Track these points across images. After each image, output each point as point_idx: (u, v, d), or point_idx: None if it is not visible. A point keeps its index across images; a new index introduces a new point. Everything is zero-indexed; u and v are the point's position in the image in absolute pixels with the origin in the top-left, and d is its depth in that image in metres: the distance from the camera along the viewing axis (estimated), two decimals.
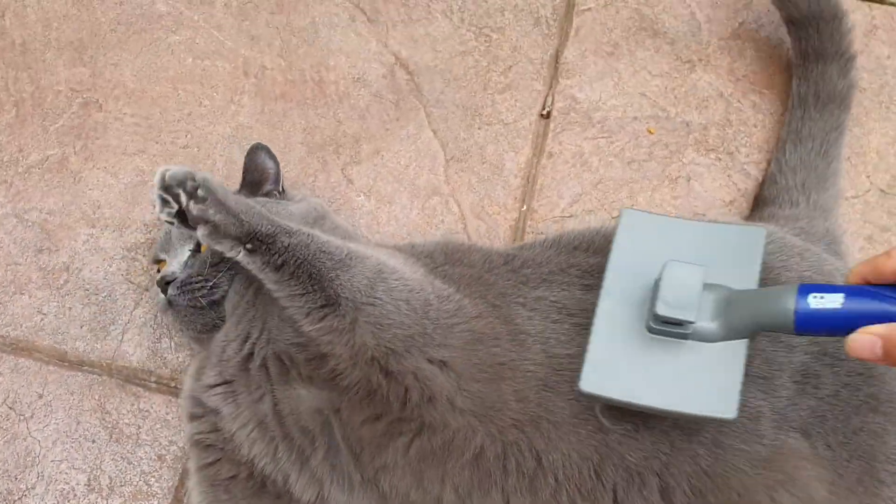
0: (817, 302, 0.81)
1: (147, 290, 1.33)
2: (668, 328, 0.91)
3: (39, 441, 1.26)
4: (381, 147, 1.42)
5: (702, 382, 0.89)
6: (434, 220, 1.36)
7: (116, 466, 1.24)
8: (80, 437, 1.26)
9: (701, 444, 0.92)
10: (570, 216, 1.35)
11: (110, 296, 1.34)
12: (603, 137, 1.40)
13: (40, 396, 1.28)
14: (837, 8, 1.29)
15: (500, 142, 1.41)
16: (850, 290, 0.81)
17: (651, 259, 0.95)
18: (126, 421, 1.26)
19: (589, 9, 1.48)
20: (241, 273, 1.09)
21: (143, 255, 1.36)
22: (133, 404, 1.27)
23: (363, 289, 0.97)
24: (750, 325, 0.88)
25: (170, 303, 1.11)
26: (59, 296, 1.34)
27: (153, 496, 1.21)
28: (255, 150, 1.27)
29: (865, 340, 0.77)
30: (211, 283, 1.10)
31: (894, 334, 0.75)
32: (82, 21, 1.51)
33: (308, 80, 1.46)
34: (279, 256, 0.98)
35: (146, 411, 1.27)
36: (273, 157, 1.28)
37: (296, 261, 0.98)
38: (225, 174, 1.40)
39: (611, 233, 1.04)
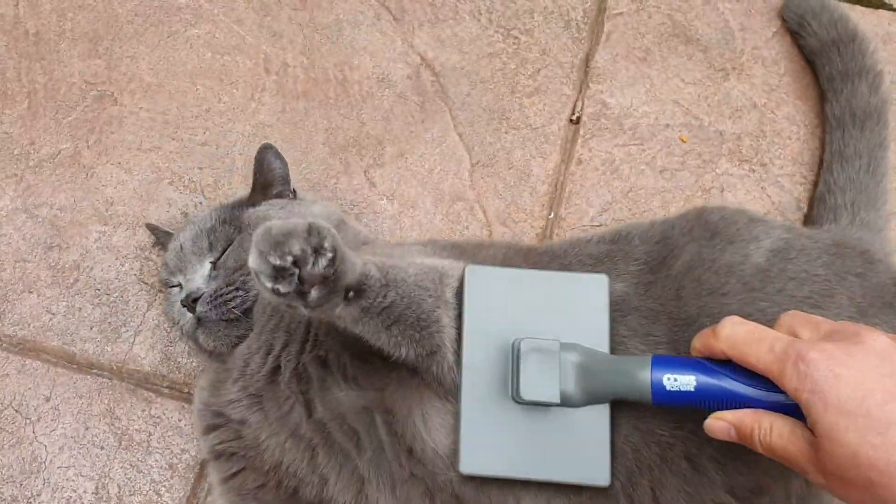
0: (671, 384, 0.83)
1: (161, 303, 1.29)
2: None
3: (46, 446, 1.21)
4: (405, 150, 1.38)
5: (573, 449, 0.91)
6: (458, 226, 1.32)
7: (125, 474, 1.19)
8: (88, 442, 1.21)
9: None
10: (600, 225, 1.32)
11: (122, 296, 1.30)
12: (634, 145, 1.36)
13: (47, 399, 1.24)
14: (854, 29, 1.31)
15: (527, 147, 1.37)
16: (701, 370, 0.82)
17: (504, 318, 0.95)
18: (136, 427, 1.22)
19: (620, 13, 1.45)
20: None
21: (157, 255, 1.32)
22: (144, 410, 1.23)
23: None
24: (609, 393, 0.89)
25: (199, 320, 1.06)
26: (69, 295, 1.30)
27: None
28: (263, 151, 1.22)
29: (720, 426, 0.79)
30: (242, 291, 1.05)
31: (743, 422, 0.77)
32: (98, 12, 1.47)
33: (331, 78, 1.42)
34: (380, 300, 0.87)
35: (158, 417, 1.22)
36: (280, 157, 1.23)
37: (397, 302, 0.88)
38: (244, 174, 1.36)
39: (634, 229, 1.06)
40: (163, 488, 1.18)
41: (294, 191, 1.24)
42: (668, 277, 1.00)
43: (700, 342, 0.83)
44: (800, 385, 0.70)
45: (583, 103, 1.40)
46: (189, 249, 1.12)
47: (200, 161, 1.38)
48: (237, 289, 1.05)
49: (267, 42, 1.44)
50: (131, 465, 1.20)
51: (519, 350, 0.90)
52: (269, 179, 1.21)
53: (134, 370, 1.25)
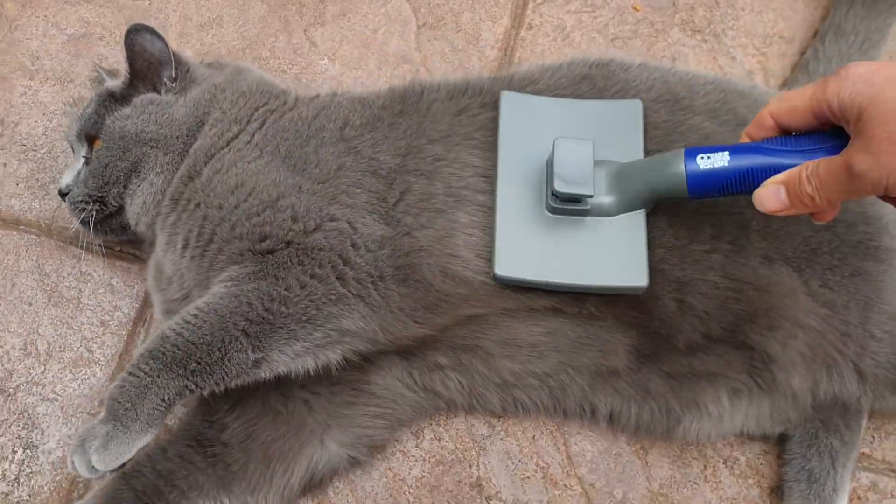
0: (705, 163, 0.87)
1: None
2: (567, 206, 0.97)
3: None
4: (348, 9, 1.39)
5: (609, 256, 0.96)
6: None
7: (56, 331, 1.21)
8: (14, 298, 1.23)
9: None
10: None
11: (50, 153, 1.30)
12: (586, 12, 1.40)
13: None
14: None
15: (476, 10, 1.39)
16: (735, 148, 0.87)
17: (539, 140, 1.00)
18: (66, 284, 1.24)
19: None
20: (135, 190, 1.12)
21: None
22: (74, 267, 1.24)
23: None
24: (645, 194, 0.94)
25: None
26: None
27: (95, 363, 1.20)
28: (135, 33, 1.14)
29: (769, 191, 0.83)
30: (100, 204, 1.12)
31: (793, 178, 0.81)
32: None
33: None
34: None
35: (88, 274, 1.24)
36: (157, 36, 1.15)
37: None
38: (179, 31, 1.36)
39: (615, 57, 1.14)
40: (94, 345, 1.21)
41: (177, 73, 1.16)
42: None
43: (751, 125, 0.88)
44: (843, 85, 0.78)
45: None
46: (70, 130, 1.18)
47: (132, 16, 1.37)
48: (94, 202, 1.12)
49: None
50: (61, 321, 1.22)
51: (553, 148, 0.96)
52: (144, 66, 1.16)
53: (63, 227, 1.27)
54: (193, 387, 0.94)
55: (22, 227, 1.27)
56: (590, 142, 0.96)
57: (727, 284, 0.98)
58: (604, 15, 1.39)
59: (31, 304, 1.22)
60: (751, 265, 0.98)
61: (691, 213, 0.99)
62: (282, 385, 1.07)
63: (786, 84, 1.34)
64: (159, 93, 1.15)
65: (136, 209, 1.12)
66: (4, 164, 1.30)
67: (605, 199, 0.96)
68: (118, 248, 1.25)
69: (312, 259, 0.97)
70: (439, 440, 1.15)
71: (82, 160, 1.14)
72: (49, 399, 1.18)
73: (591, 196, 0.94)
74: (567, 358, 1.04)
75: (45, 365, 1.19)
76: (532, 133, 1.02)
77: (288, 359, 0.97)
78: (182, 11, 1.37)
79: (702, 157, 0.87)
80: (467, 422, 1.16)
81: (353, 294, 0.97)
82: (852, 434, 1.08)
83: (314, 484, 1.11)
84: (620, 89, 1.08)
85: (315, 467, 1.09)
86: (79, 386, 1.18)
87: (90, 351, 1.20)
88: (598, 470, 1.13)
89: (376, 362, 1.07)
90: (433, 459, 1.15)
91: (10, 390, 1.18)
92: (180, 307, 1.05)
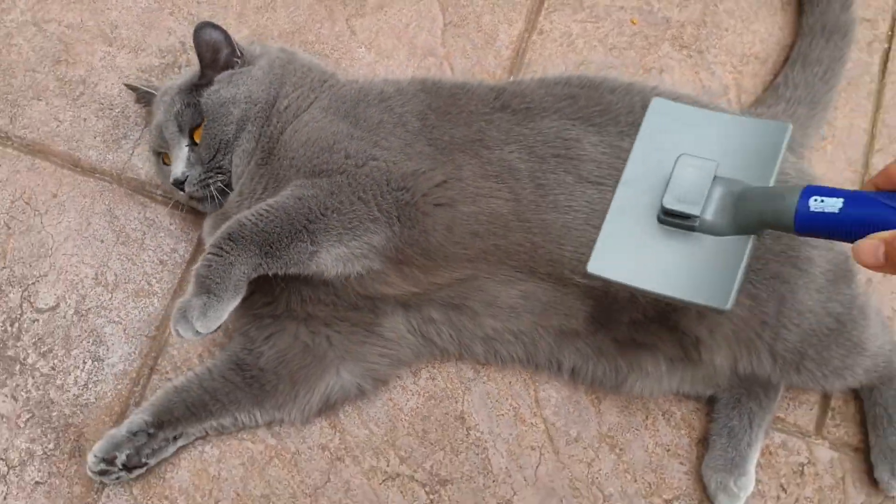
0: (817, 205, 0.87)
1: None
2: (676, 220, 1.00)
3: (52, 235, 1.48)
4: (386, 3, 1.62)
5: (703, 273, 0.98)
6: None
7: (122, 266, 1.47)
8: (89, 236, 1.49)
9: None
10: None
11: (123, 112, 1.55)
12: (590, 22, 1.63)
13: (54, 196, 1.50)
14: None
15: (496, 12, 1.62)
16: (852, 196, 0.85)
17: (674, 149, 1.03)
18: (132, 227, 1.49)
19: None
20: (238, 150, 1.36)
21: (157, 78, 1.56)
22: (140, 213, 1.50)
23: None
24: (754, 221, 0.96)
25: (191, 196, 1.37)
26: (75, 106, 1.55)
27: (153, 294, 1.46)
28: (200, 30, 1.37)
29: (869, 245, 0.81)
30: (220, 174, 1.36)
31: (895, 239, 0.79)
32: None
33: None
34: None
35: (151, 220, 1.50)
36: (218, 28, 1.38)
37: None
38: (238, 11, 1.60)
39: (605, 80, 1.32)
40: (153, 280, 1.47)
41: (241, 52, 1.41)
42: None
43: (881, 173, 0.86)
44: None
45: None
46: (166, 131, 1.38)
47: None
48: (216, 172, 1.36)
49: None
50: (127, 258, 1.48)
51: (675, 163, 1.00)
52: (213, 54, 1.39)
53: (132, 178, 1.52)
54: (266, 266, 1.21)
55: (97, 175, 1.52)
56: (714, 162, 0.99)
57: None
58: (605, 26, 1.62)
59: (102, 241, 1.48)
60: None
61: None
62: (310, 323, 1.34)
63: (756, 100, 1.57)
64: (233, 69, 1.40)
65: (237, 165, 1.36)
66: (84, 120, 1.54)
67: (715, 218, 0.98)
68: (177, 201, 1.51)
69: (360, 185, 1.23)
70: (433, 379, 1.42)
71: (186, 149, 1.36)
72: (114, 322, 1.44)
73: (696, 216, 0.98)
74: (538, 318, 1.30)
75: (112, 293, 1.46)
76: (670, 141, 1.05)
77: (332, 259, 1.23)
78: None
79: (815, 200, 0.87)
80: (457, 366, 1.42)
81: (384, 218, 1.23)
82: (769, 401, 1.35)
83: (329, 406, 1.39)
84: (602, 111, 1.30)
85: (330, 392, 1.37)
86: (139, 313, 1.45)
87: (150, 284, 1.47)
88: (559, 413, 1.39)
89: (384, 309, 1.33)
90: (426, 394, 1.41)
91: (83, 311, 1.44)
92: None
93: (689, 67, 1.60)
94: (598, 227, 1.06)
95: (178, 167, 1.36)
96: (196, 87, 1.38)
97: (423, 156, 1.27)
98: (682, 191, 0.98)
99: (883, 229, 0.81)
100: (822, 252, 1.24)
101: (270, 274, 1.22)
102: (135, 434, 1.31)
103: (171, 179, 1.35)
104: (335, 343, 1.35)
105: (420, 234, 1.24)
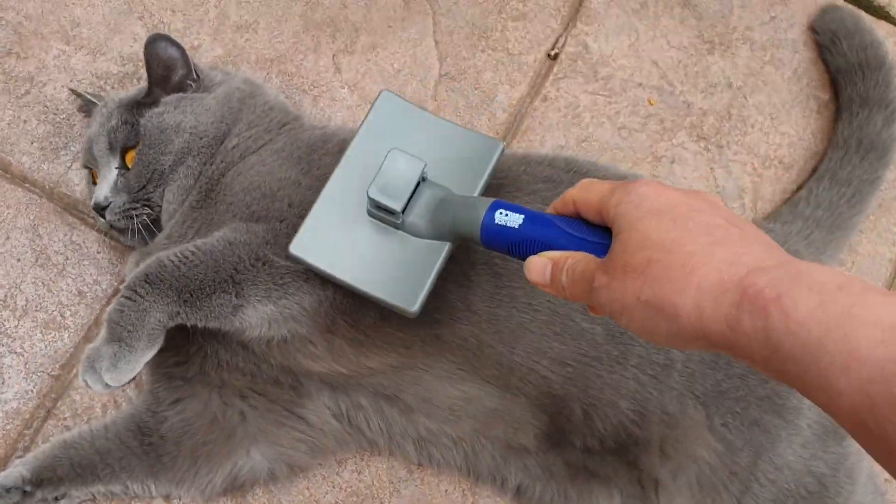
0: (501, 218, 0.90)
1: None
2: (382, 214, 1.04)
3: None
4: (379, 43, 1.49)
5: (399, 273, 1.03)
6: None
7: (36, 291, 1.34)
8: (6, 252, 1.35)
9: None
10: None
11: (68, 120, 1.42)
12: (602, 95, 1.48)
13: None
14: (884, 58, 1.42)
15: (499, 71, 1.49)
16: (532, 215, 0.89)
17: (391, 144, 1.05)
18: (55, 248, 1.36)
19: None
20: (172, 185, 1.23)
21: (112, 87, 1.44)
22: (66, 234, 1.36)
23: None
24: (450, 228, 0.99)
25: (112, 226, 1.24)
26: (17, 105, 1.42)
27: (65, 328, 1.32)
28: (154, 42, 1.27)
29: (539, 262, 0.84)
30: (147, 207, 1.23)
31: (562, 261, 0.81)
32: None
33: None
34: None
35: (78, 244, 1.36)
36: (175, 44, 1.28)
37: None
38: (214, 27, 1.47)
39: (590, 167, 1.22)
40: (68, 311, 1.33)
41: (197, 75, 1.30)
42: None
43: (558, 199, 0.88)
44: (622, 199, 0.76)
45: (565, 40, 1.51)
46: (95, 146, 1.26)
47: (175, 3, 1.48)
48: (143, 205, 1.23)
49: None
50: (43, 283, 1.34)
51: (385, 157, 1.02)
52: (165, 72, 1.28)
53: (64, 194, 1.39)
54: (185, 316, 1.07)
55: (27, 185, 1.39)
56: (423, 162, 1.02)
57: (634, 411, 1.09)
58: (618, 102, 1.48)
59: (18, 260, 1.35)
60: (663, 400, 1.09)
61: (620, 340, 1.10)
62: (224, 393, 1.20)
63: (773, 213, 1.42)
64: (185, 91, 1.28)
65: (169, 203, 1.23)
66: (25, 121, 1.41)
67: (419, 219, 1.02)
68: None
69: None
70: (359, 473, 1.28)
71: (115, 171, 1.24)
72: (16, 352, 1.31)
73: (399, 211, 1.01)
74: (481, 427, 1.16)
75: (19, 320, 1.32)
76: (392, 136, 1.10)
77: (257, 317, 1.10)
78: (222, 8, 1.48)
79: (500, 213, 0.90)
80: (389, 463, 1.28)
81: (320, 279, 1.09)
82: None
83: (236, 486, 1.25)
84: None
85: (238, 472, 1.22)
86: (45, 347, 1.31)
87: (63, 316, 1.33)
88: None
89: (308, 387, 1.19)
90: (349, 489, 1.27)
91: None
92: None
93: (705, 161, 1.46)
94: (559, 333, 1.08)
95: (102, 190, 1.23)
96: (139, 104, 1.26)
97: None
98: (388, 184, 1.01)
99: (554, 244, 0.85)
100: (813, 404, 1.09)
101: (189, 325, 1.09)
102: (8, 490, 1.17)
103: (92, 203, 1.23)
104: (249, 419, 1.21)
105: (354, 303, 1.11)
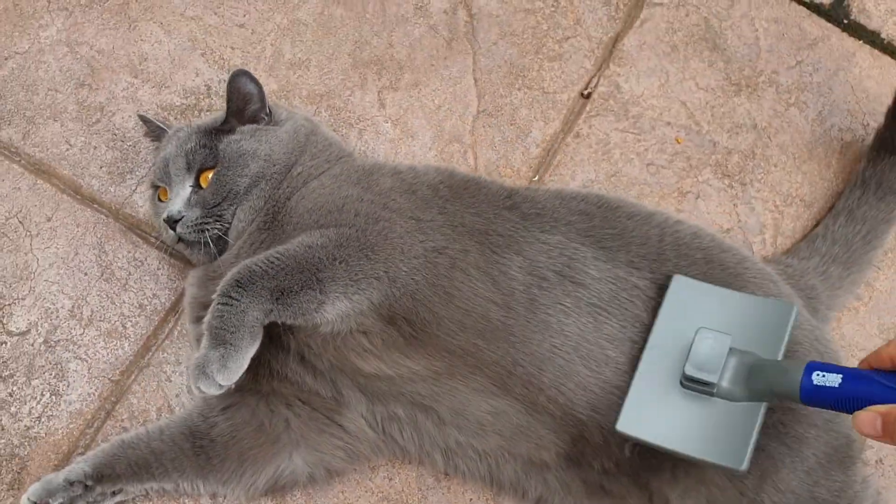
0: (819, 379, 1.02)
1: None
2: (696, 385, 1.18)
3: (38, 259, 1.53)
4: (422, 80, 1.64)
5: (721, 435, 1.15)
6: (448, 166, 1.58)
7: (100, 302, 1.50)
8: (75, 266, 1.52)
9: None
10: None
11: (135, 147, 1.60)
12: (632, 133, 1.61)
13: (48, 219, 1.55)
14: None
15: (534, 108, 1.62)
16: (850, 373, 1.01)
17: (693, 321, 1.21)
18: (119, 265, 1.52)
19: (661, 3, 1.68)
20: (244, 205, 1.38)
21: (175, 118, 1.61)
22: (130, 251, 1.53)
23: None
24: (765, 391, 1.13)
25: (180, 239, 1.38)
26: (89, 133, 1.60)
27: (126, 338, 1.48)
28: (237, 77, 1.43)
29: (867, 417, 0.94)
30: (220, 223, 1.37)
31: (892, 414, 0.92)
32: None
33: None
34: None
35: (140, 261, 1.52)
36: (255, 81, 1.45)
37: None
38: (270, 64, 1.63)
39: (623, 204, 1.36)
40: (129, 322, 1.49)
41: (269, 110, 1.47)
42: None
43: (873, 353, 1.01)
44: None
45: (598, 80, 1.64)
46: (172, 165, 1.41)
47: (234, 41, 1.65)
48: (216, 220, 1.37)
49: None
50: (107, 295, 1.51)
51: (695, 335, 1.18)
52: (243, 104, 1.45)
53: (130, 215, 1.56)
54: (277, 313, 1.23)
55: (96, 205, 1.56)
56: (729, 336, 1.18)
57: None
58: (647, 140, 1.60)
59: (86, 274, 1.52)
60: None
61: None
62: (271, 401, 1.35)
63: (791, 252, 1.52)
64: (259, 124, 1.45)
65: (240, 221, 1.39)
66: (95, 147, 1.59)
67: (733, 385, 1.16)
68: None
69: (368, 242, 1.26)
70: (390, 479, 1.41)
71: (189, 189, 1.39)
72: (81, 358, 1.47)
73: (714, 384, 1.15)
74: (506, 443, 1.29)
75: (84, 329, 1.49)
76: (690, 314, 1.23)
77: (335, 312, 1.24)
78: (277, 46, 1.64)
79: (817, 374, 1.03)
80: (418, 471, 1.42)
81: (386, 278, 1.25)
82: None
83: (277, 488, 1.40)
84: (615, 235, 1.31)
85: (280, 475, 1.37)
86: (108, 354, 1.48)
87: (124, 327, 1.49)
88: None
89: (349, 397, 1.34)
90: (380, 494, 1.40)
91: (52, 342, 1.48)
92: None
93: (728, 198, 1.57)
94: (585, 359, 1.23)
95: (177, 204, 1.38)
96: (216, 131, 1.42)
97: (433, 225, 1.30)
98: (702, 360, 1.17)
99: (878, 399, 0.96)
100: (818, 433, 1.21)
101: (279, 323, 1.25)
102: (71, 483, 1.33)
103: (165, 215, 1.38)
104: (293, 426, 1.36)
105: (412, 303, 1.25)
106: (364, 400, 1.34)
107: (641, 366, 1.22)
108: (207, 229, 1.37)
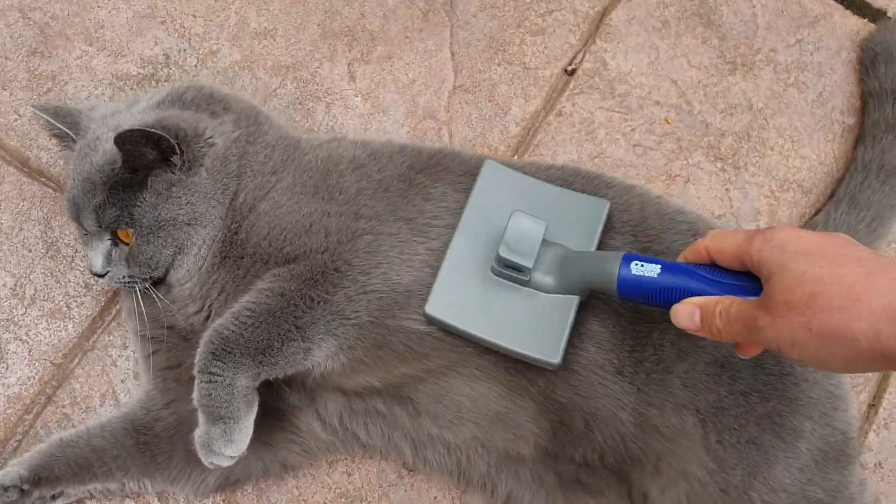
0: (638, 269, 1.03)
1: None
2: (509, 272, 1.16)
3: None
4: (395, 53, 1.58)
5: (534, 327, 1.14)
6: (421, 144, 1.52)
7: (44, 281, 1.45)
8: (18, 242, 1.47)
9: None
10: None
11: None
12: (618, 112, 1.55)
13: None
14: None
15: (514, 84, 1.56)
16: (668, 264, 1.03)
17: (504, 209, 1.18)
18: (66, 241, 1.47)
19: None
20: (182, 260, 1.27)
21: (131, 88, 1.55)
22: (77, 229, 1.46)
23: None
24: (580, 282, 1.13)
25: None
26: (39, 102, 1.53)
27: (70, 319, 1.43)
28: (124, 141, 1.19)
29: (685, 309, 0.97)
30: (154, 274, 1.27)
31: (708, 307, 0.95)
32: None
33: None
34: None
35: None
36: (135, 136, 1.18)
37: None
38: (233, 33, 1.58)
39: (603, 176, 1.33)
40: (74, 303, 1.43)
41: (179, 145, 1.21)
42: None
43: (688, 249, 1.03)
44: (764, 245, 0.90)
45: (583, 56, 1.58)
46: (84, 220, 1.26)
47: (196, 9, 1.60)
48: (148, 275, 1.27)
49: None
50: (52, 273, 1.45)
51: (510, 218, 1.15)
52: (142, 162, 1.21)
53: None
54: (266, 372, 1.17)
55: (43, 179, 1.51)
56: (544, 222, 1.15)
57: (634, 424, 1.16)
58: (634, 119, 1.54)
59: (30, 251, 1.46)
60: (664, 412, 1.14)
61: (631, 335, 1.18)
62: None
63: None
64: (173, 172, 1.24)
65: (181, 275, 1.29)
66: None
67: (546, 276, 1.15)
68: None
69: (345, 260, 1.19)
70: (349, 475, 1.35)
71: (108, 242, 1.26)
72: (21, 339, 1.42)
73: (529, 267, 1.14)
74: (482, 434, 1.24)
75: (26, 308, 1.43)
76: (500, 201, 1.23)
77: (323, 354, 1.18)
78: (242, 14, 1.59)
79: (636, 264, 1.04)
80: (379, 466, 1.36)
81: (375, 295, 1.18)
82: None
83: (229, 484, 1.34)
84: None
85: (231, 470, 1.30)
86: (50, 336, 1.42)
87: (69, 307, 1.43)
88: None
89: (325, 398, 1.28)
90: (338, 490, 1.35)
91: None
92: (198, 318, 1.29)
93: (721, 182, 1.51)
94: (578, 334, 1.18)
95: (97, 261, 1.27)
96: (123, 184, 1.24)
97: (421, 219, 1.24)
98: (516, 243, 1.14)
99: (694, 291, 0.98)
100: (815, 426, 1.16)
101: (271, 378, 1.20)
102: (6, 489, 1.28)
103: (90, 269, 1.28)
104: None
105: (399, 322, 1.19)
106: (342, 399, 1.28)
107: (451, 251, 1.20)
108: (138, 284, 1.27)
